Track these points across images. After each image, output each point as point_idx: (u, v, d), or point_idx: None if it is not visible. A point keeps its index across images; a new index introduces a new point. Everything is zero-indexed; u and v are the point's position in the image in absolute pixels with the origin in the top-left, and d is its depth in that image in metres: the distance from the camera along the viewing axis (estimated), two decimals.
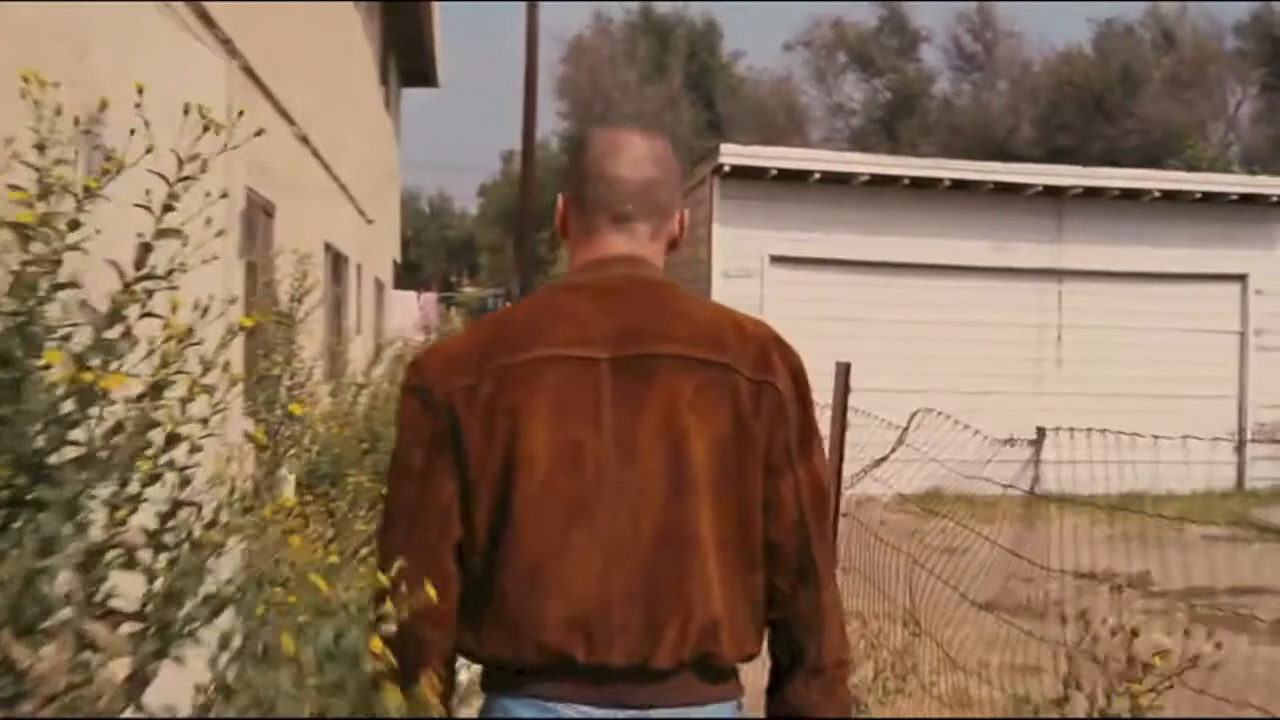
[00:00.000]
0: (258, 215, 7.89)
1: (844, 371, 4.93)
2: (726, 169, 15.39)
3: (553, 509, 2.07)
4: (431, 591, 1.98)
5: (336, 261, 13.17)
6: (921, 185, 16.03)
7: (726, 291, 15.36)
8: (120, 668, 2.07)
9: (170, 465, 2.23)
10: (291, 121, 9.00)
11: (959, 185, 16.08)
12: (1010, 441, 15.98)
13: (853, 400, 15.16)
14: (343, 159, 13.25)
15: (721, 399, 2.13)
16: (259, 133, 2.93)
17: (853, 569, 10.06)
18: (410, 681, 1.99)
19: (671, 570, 2.07)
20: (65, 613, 1.99)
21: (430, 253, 68.17)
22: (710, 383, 2.13)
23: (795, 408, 2.19)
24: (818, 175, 15.72)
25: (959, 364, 15.51)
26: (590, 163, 2.28)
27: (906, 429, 8.09)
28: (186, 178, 2.41)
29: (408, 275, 51.89)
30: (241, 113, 2.75)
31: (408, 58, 23.28)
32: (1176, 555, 8.11)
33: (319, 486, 6.63)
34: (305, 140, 9.81)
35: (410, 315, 30.56)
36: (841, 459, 4.92)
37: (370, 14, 16.74)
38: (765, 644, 2.26)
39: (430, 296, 39.37)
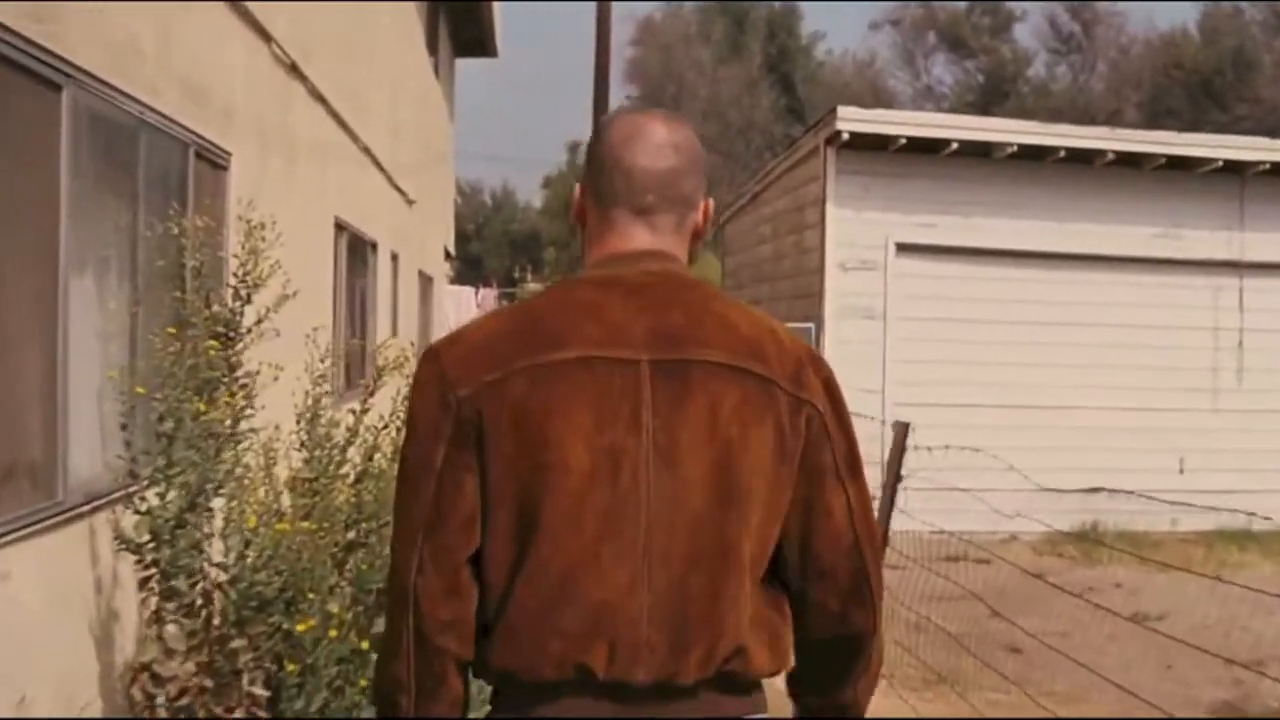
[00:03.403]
0: (175, 154, 5.06)
1: None
2: (844, 137, 12.73)
3: (587, 519, 1.96)
4: (452, 602, 2.00)
5: (356, 246, 10.36)
6: (1078, 159, 13.47)
7: (842, 287, 13.21)
8: None
9: None
10: (265, 36, 6.18)
11: (1122, 160, 13.52)
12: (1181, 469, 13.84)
13: (999, 419, 12.66)
14: (369, 120, 10.53)
15: (764, 412, 2.04)
16: None
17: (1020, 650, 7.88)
18: (430, 696, 2.03)
19: (704, 587, 1.99)
20: None
21: (493, 247, 66.61)
22: (753, 394, 2.04)
23: (835, 425, 2.12)
24: (955, 145, 13.04)
25: (1119, 375, 13.64)
26: (608, 151, 2.18)
27: None
28: None
29: (470, 271, 50.35)
30: None
31: (461, 25, 20.88)
32: None
33: (253, 623, 3.81)
34: (295, 71, 7.00)
35: (468, 314, 28.24)
36: None
37: None
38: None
39: (490, 293, 37.29)
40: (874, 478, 9.52)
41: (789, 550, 2.11)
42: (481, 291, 36.26)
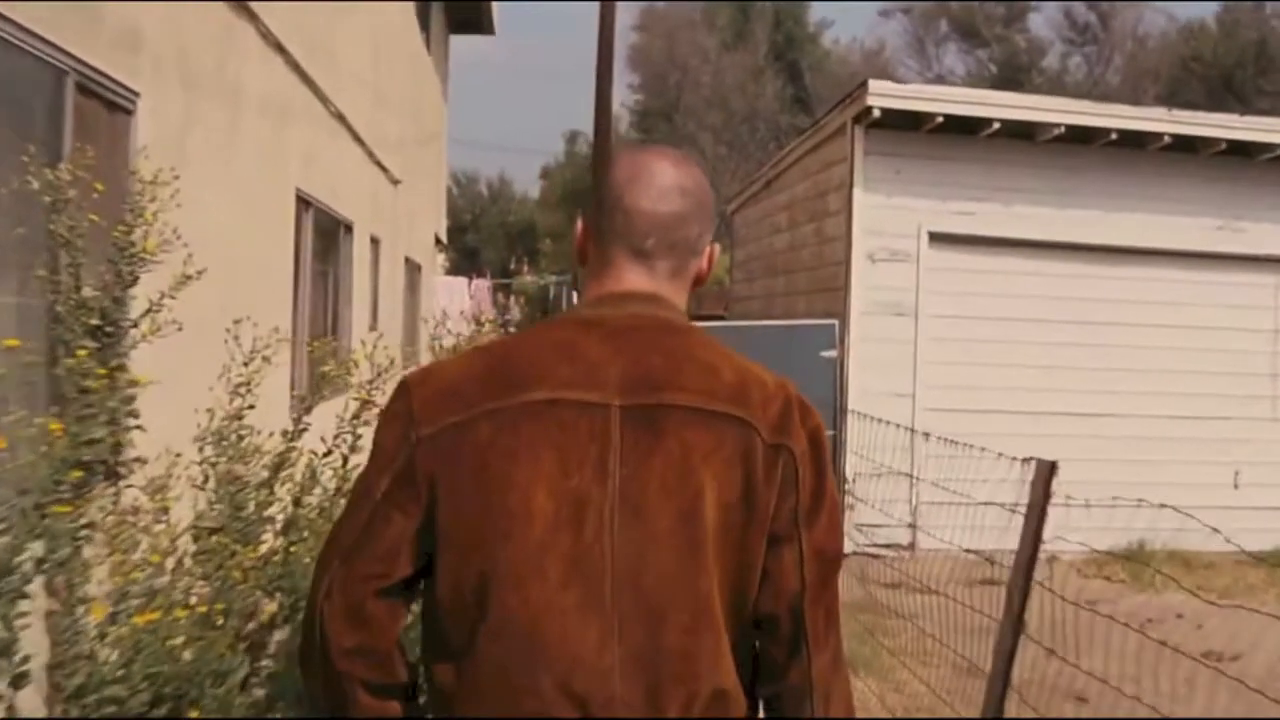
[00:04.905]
0: (39, 83, 3.76)
1: None
2: (875, 114, 11.43)
3: (550, 568, 1.89)
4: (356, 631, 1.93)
5: (326, 226, 9.08)
6: (1130, 143, 12.22)
7: (869, 280, 11.96)
8: None
9: None
10: None
11: (1179, 144, 12.24)
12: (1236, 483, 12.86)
13: (1037, 427, 11.70)
14: (344, 83, 9.25)
15: (735, 459, 1.97)
16: None
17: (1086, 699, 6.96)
18: (342, 711, 1.96)
19: (677, 640, 1.91)
20: None
21: (489, 238, 65.69)
22: (728, 440, 1.96)
23: (809, 473, 2.03)
24: (996, 125, 11.78)
25: (1171, 380, 12.60)
26: (612, 190, 2.12)
27: None
28: None
29: (466, 262, 49.63)
30: None
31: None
32: None
33: None
34: (242, 8, 5.74)
35: (461, 305, 27.18)
36: None
37: None
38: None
39: (483, 283, 36.15)
40: (900, 489, 8.23)
41: None
42: (475, 282, 35.20)
